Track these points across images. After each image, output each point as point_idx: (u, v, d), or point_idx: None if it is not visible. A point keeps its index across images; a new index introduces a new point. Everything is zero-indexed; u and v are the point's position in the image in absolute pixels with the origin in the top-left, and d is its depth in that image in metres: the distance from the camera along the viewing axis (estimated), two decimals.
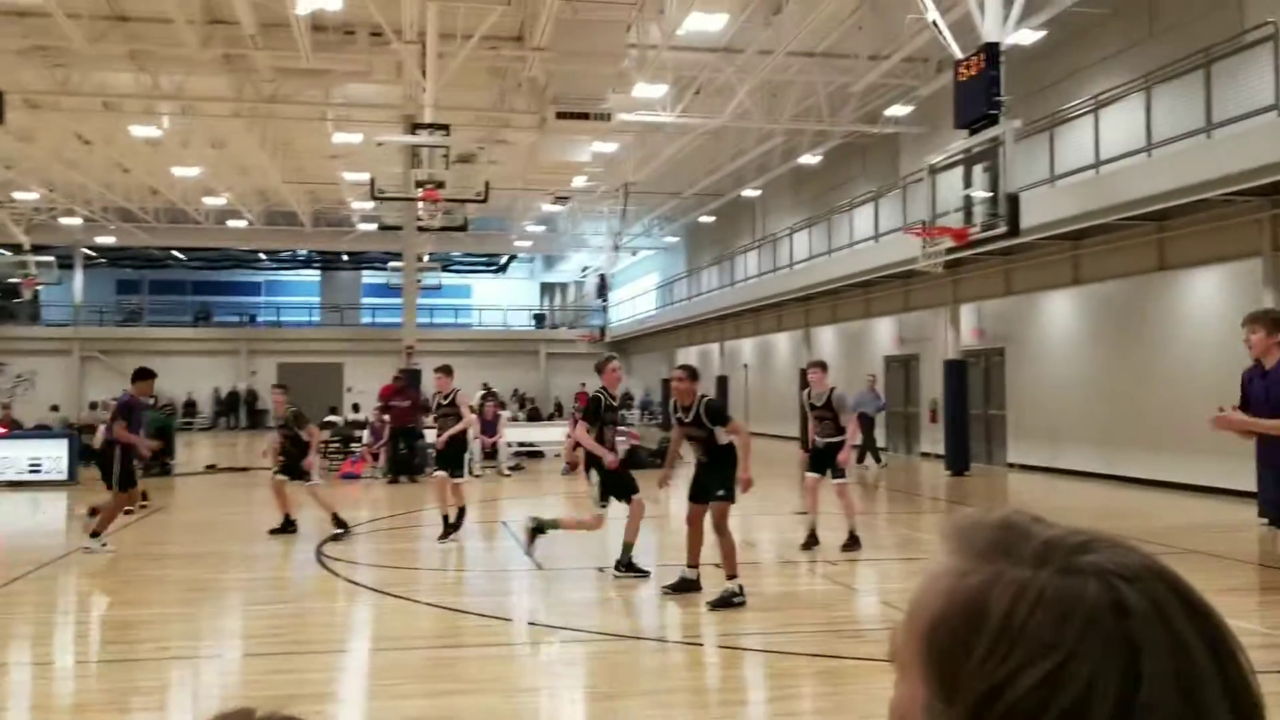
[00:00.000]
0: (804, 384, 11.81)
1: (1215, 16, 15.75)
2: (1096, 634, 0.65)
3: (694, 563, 8.92)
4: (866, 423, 21.86)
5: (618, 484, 9.87)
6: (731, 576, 8.49)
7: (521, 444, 24.81)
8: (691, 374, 8.87)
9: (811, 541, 11.29)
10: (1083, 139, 15.32)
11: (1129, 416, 18.27)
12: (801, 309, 28.22)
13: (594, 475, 9.93)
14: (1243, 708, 0.67)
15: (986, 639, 0.67)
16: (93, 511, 12.25)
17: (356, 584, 9.75)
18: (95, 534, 11.42)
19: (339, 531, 12.32)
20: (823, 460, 11.31)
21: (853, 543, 10.99)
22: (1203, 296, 16.84)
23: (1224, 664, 0.67)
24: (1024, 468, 20.90)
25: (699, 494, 8.87)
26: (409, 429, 19.62)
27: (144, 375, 12.36)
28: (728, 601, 8.34)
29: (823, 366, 11.69)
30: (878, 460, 21.95)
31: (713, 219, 38.76)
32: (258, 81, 22.41)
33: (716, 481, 8.68)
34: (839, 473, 11.13)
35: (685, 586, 8.83)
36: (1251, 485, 13.67)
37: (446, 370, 13.56)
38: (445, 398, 13.52)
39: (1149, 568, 0.69)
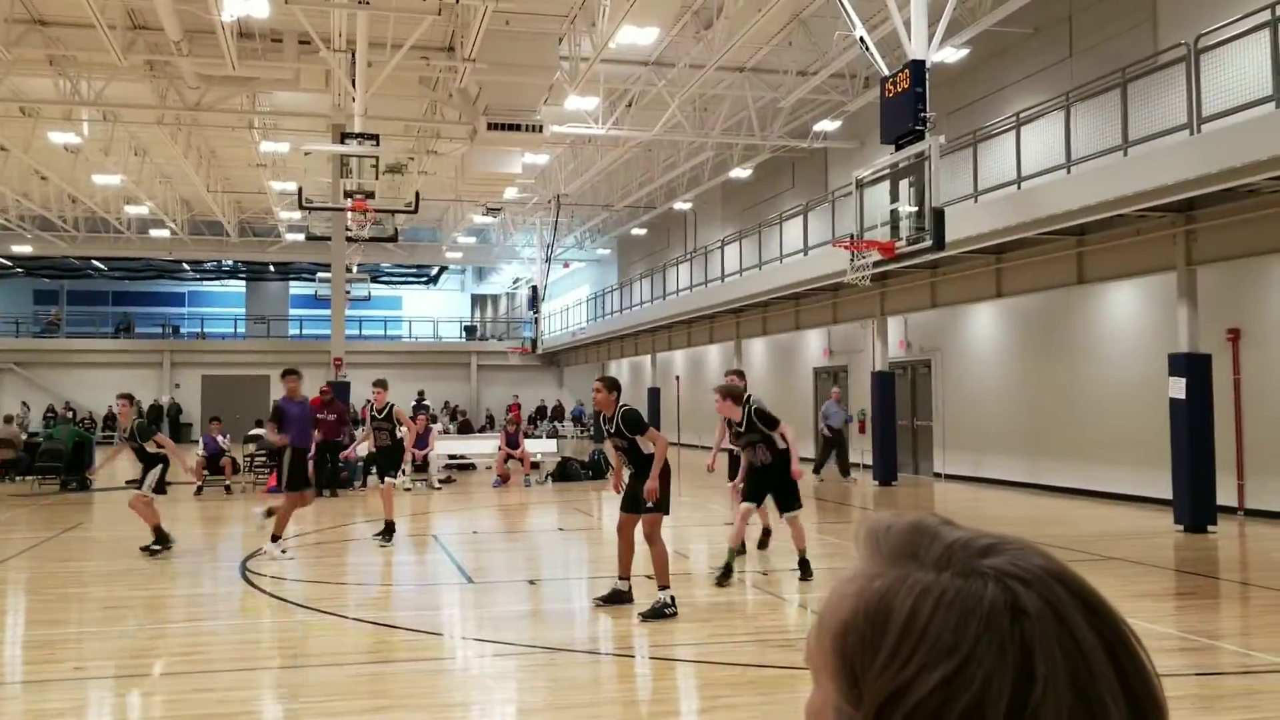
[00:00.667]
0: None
1: (1131, 37, 16.23)
2: (993, 637, 0.67)
3: (625, 574, 8.93)
4: (836, 436, 21.64)
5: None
6: (664, 587, 8.52)
7: (452, 456, 24.64)
8: (610, 384, 8.88)
9: (765, 539, 11.74)
10: (1005, 155, 15.65)
11: (1051, 426, 18.70)
12: (733, 321, 28.42)
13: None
14: (1141, 706, 0.69)
15: (890, 642, 0.69)
16: (269, 513, 12.59)
17: (282, 600, 9.59)
18: (275, 538, 11.69)
19: (156, 547, 11.98)
20: (760, 487, 10.32)
21: (804, 572, 10.29)
22: (1120, 309, 17.31)
23: (1122, 664, 0.69)
24: (950, 478, 21.26)
25: (629, 504, 8.89)
26: (335, 443, 19.38)
27: (287, 373, 13.05)
28: (660, 612, 8.37)
29: (739, 375, 11.71)
30: (845, 474, 21.80)
31: (644, 231, 38.90)
32: (182, 88, 22.02)
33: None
34: (790, 504, 10.16)
35: (617, 598, 8.83)
36: (1166, 493, 14.10)
37: (382, 384, 13.75)
38: (380, 411, 13.51)
39: (1049, 570, 0.71)
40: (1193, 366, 13.58)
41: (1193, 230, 13.68)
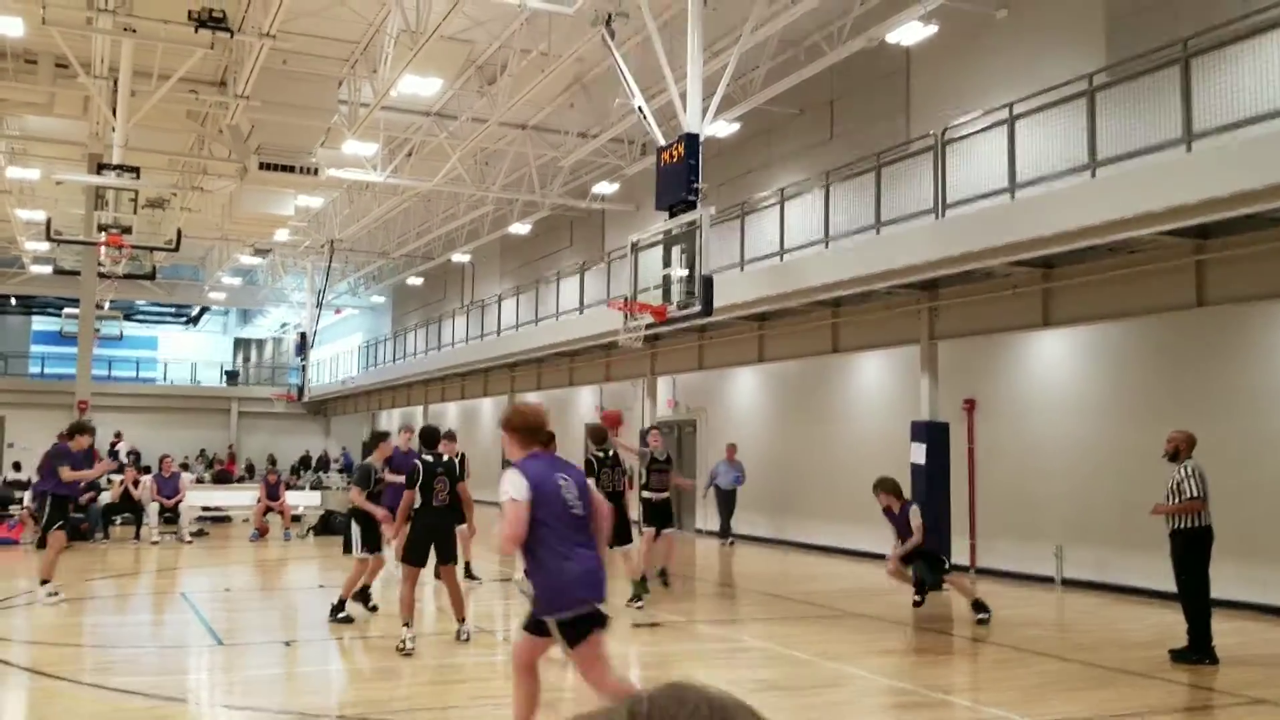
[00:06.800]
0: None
1: (886, 125, 17.46)
2: None
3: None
4: (725, 496, 19.87)
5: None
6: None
7: (206, 508, 23.35)
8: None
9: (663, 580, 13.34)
10: (770, 227, 16.47)
11: (806, 485, 19.58)
12: (507, 375, 28.43)
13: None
14: None
15: None
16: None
17: (8, 664, 8.83)
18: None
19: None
20: (660, 515, 13.25)
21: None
22: (870, 377, 18.40)
23: None
24: (711, 534, 21.84)
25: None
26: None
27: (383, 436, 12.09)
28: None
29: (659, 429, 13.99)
30: (724, 536, 19.94)
31: (421, 281, 38.45)
32: None
33: None
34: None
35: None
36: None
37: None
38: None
39: None
40: (932, 433, 14.58)
41: (935, 307, 14.77)
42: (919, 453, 14.50)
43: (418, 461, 9.46)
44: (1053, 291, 13.41)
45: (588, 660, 5.40)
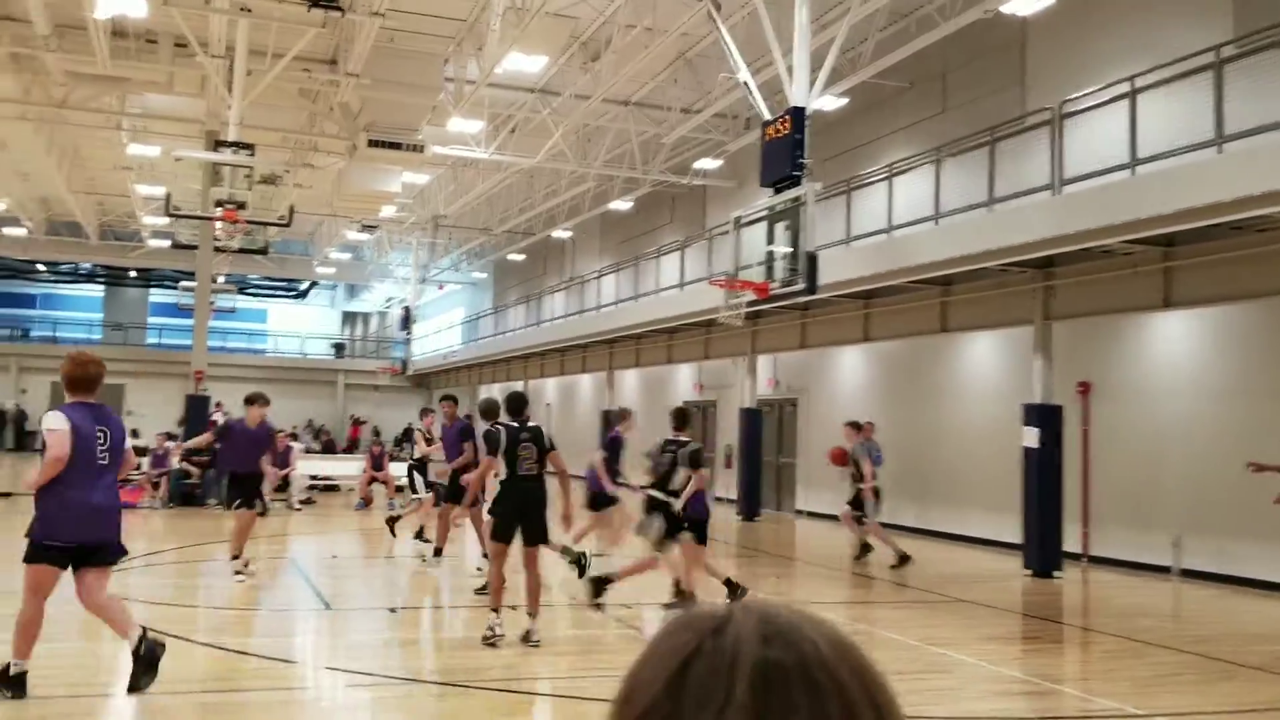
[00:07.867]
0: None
1: (1001, 99, 16.95)
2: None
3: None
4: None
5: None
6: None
7: (315, 477, 23.97)
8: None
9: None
10: (877, 203, 16.14)
11: (910, 469, 19.19)
12: (606, 351, 28.51)
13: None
14: None
15: None
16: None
17: None
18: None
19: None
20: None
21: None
22: (980, 358, 17.96)
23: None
24: (811, 515, 21.65)
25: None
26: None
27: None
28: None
29: (855, 427, 14.89)
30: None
31: (522, 257, 38.78)
32: (48, 84, 21.10)
33: None
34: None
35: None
36: (1017, 538, 14.64)
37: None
38: None
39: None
40: (1046, 417, 14.16)
41: (1051, 286, 14.31)
42: (1032, 437, 14.11)
43: (499, 426, 8.73)
44: (1174, 271, 12.88)
45: (83, 586, 6.48)
